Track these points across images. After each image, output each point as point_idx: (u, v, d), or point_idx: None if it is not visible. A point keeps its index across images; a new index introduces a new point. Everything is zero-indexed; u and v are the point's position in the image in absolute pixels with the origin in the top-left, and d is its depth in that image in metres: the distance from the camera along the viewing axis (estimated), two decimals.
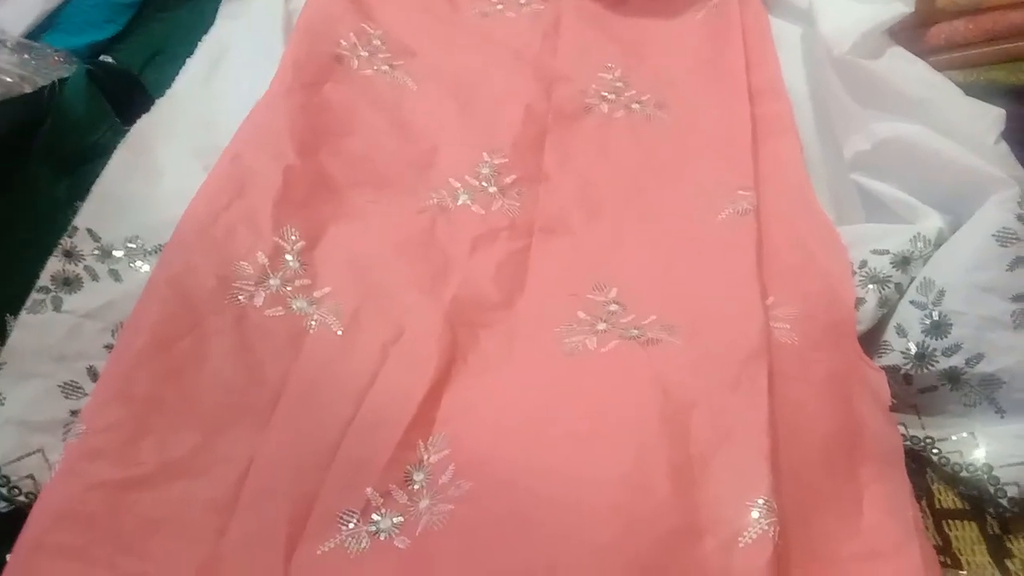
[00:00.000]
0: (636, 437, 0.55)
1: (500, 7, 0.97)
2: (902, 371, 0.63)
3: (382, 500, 0.56)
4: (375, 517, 0.55)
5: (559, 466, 0.54)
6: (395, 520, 0.55)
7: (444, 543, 0.52)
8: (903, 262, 0.65)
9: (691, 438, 0.55)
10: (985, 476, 0.60)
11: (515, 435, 0.57)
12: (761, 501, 0.50)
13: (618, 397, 0.58)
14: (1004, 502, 0.59)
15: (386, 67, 0.88)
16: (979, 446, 0.62)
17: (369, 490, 0.56)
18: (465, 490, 0.54)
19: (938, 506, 0.61)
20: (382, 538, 0.54)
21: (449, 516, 0.53)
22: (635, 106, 0.85)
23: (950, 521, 0.61)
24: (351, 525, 0.55)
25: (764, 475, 0.52)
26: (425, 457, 0.58)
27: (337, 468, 0.57)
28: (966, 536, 0.60)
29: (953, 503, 0.62)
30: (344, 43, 0.88)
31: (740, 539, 0.49)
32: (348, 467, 0.57)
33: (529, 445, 0.56)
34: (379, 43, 0.90)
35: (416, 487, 0.56)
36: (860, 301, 0.65)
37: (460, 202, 0.76)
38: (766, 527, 0.49)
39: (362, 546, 0.54)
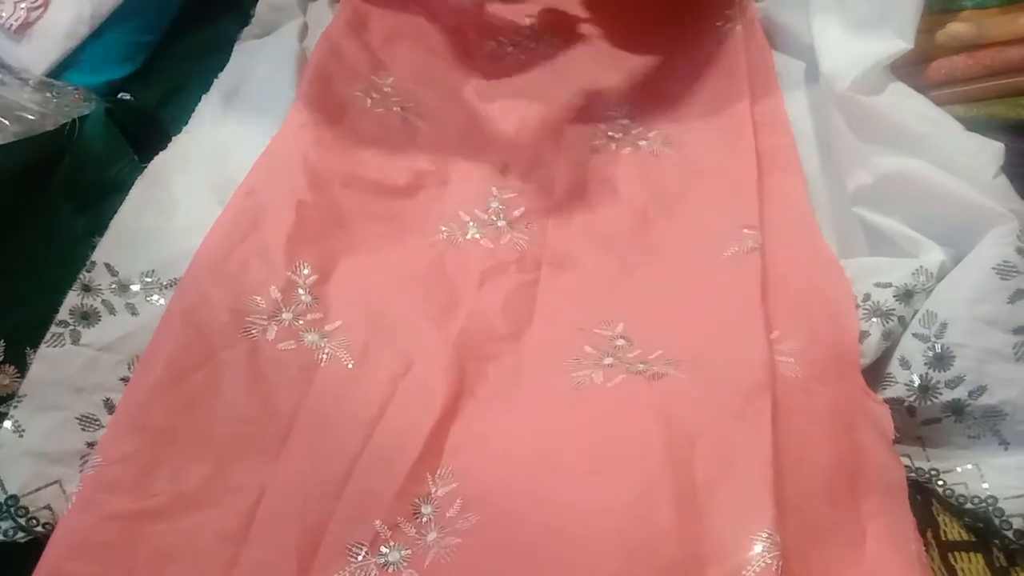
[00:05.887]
0: (641, 469, 0.55)
1: (510, 49, 0.99)
2: (906, 403, 0.63)
3: (390, 532, 0.56)
4: (383, 550, 0.55)
5: (564, 498, 0.54)
6: (403, 553, 0.55)
7: None
8: (906, 295, 0.66)
9: (695, 470, 0.56)
10: (990, 508, 0.60)
11: (521, 468, 0.57)
12: (765, 534, 0.50)
13: (623, 430, 0.58)
14: (1009, 534, 0.60)
15: (397, 108, 0.89)
16: (984, 478, 0.62)
17: (378, 522, 0.56)
18: (472, 523, 0.55)
19: (944, 538, 0.61)
20: (390, 571, 0.54)
21: (456, 549, 0.54)
22: (642, 143, 0.86)
23: (956, 553, 0.60)
24: (360, 557, 0.55)
25: (767, 508, 0.52)
26: (433, 490, 0.58)
27: (346, 500, 0.57)
28: (972, 568, 0.60)
29: (959, 535, 0.61)
30: (356, 88, 0.89)
31: (743, 572, 0.49)
32: (357, 499, 0.57)
33: (535, 478, 0.56)
34: (390, 90, 0.91)
35: (424, 520, 0.57)
36: (864, 334, 0.65)
37: (469, 236, 0.77)
38: (769, 561, 0.49)
39: None
